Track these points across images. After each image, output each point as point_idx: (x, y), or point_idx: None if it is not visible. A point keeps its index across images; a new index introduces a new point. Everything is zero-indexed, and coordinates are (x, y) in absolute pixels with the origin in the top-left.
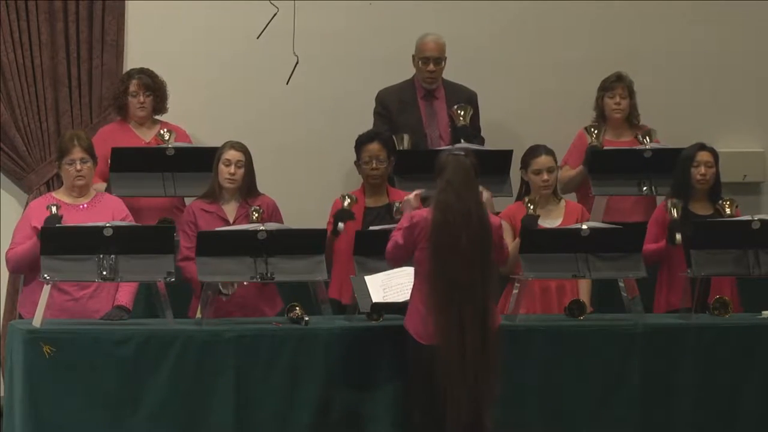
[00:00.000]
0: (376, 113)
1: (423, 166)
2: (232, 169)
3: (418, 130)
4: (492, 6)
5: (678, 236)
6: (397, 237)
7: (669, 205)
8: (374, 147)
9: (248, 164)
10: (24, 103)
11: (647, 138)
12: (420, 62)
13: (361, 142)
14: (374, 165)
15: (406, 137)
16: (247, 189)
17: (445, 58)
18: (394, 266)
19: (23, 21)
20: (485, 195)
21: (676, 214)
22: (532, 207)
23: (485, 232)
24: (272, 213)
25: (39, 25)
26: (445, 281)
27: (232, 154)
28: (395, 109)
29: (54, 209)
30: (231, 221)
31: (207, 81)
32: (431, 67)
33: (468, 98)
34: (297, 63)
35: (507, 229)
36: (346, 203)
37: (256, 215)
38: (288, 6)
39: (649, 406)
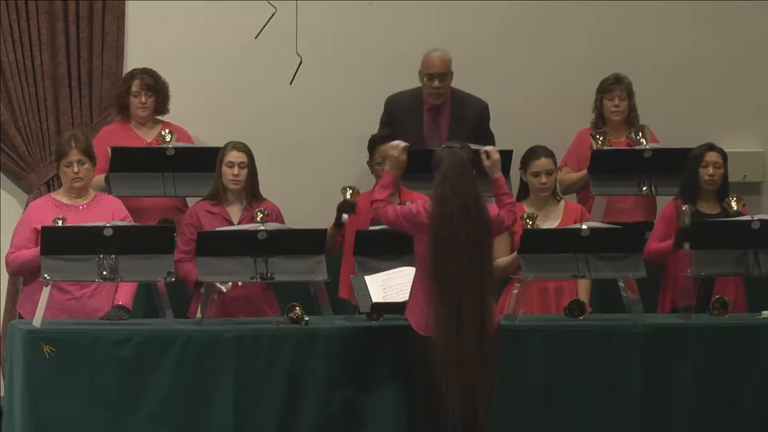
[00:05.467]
0: (381, 122)
1: (424, 166)
2: (235, 170)
3: (418, 143)
4: (492, 6)
5: (687, 246)
6: (391, 213)
7: (682, 213)
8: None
9: (251, 164)
10: (24, 103)
11: (640, 134)
12: (425, 78)
13: (375, 143)
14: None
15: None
16: (251, 189)
17: (452, 72)
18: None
19: (23, 21)
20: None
21: (686, 222)
22: (531, 222)
23: (484, 224)
24: (276, 218)
25: (39, 25)
26: (443, 275)
27: (234, 155)
28: (400, 118)
29: (60, 223)
30: (235, 223)
31: (207, 81)
32: (436, 83)
33: (475, 109)
34: (300, 63)
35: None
36: (348, 195)
37: (261, 216)
38: (289, 6)
39: (649, 406)
